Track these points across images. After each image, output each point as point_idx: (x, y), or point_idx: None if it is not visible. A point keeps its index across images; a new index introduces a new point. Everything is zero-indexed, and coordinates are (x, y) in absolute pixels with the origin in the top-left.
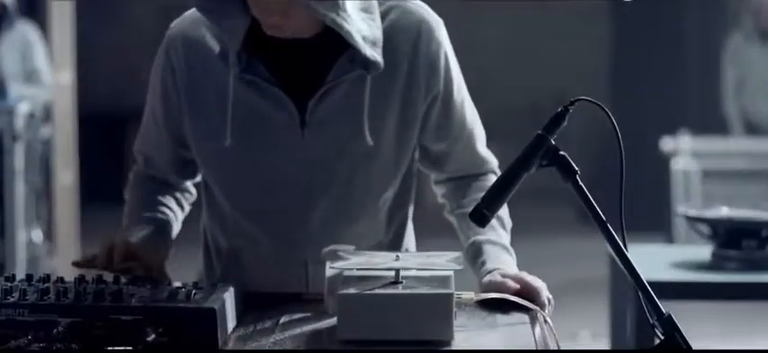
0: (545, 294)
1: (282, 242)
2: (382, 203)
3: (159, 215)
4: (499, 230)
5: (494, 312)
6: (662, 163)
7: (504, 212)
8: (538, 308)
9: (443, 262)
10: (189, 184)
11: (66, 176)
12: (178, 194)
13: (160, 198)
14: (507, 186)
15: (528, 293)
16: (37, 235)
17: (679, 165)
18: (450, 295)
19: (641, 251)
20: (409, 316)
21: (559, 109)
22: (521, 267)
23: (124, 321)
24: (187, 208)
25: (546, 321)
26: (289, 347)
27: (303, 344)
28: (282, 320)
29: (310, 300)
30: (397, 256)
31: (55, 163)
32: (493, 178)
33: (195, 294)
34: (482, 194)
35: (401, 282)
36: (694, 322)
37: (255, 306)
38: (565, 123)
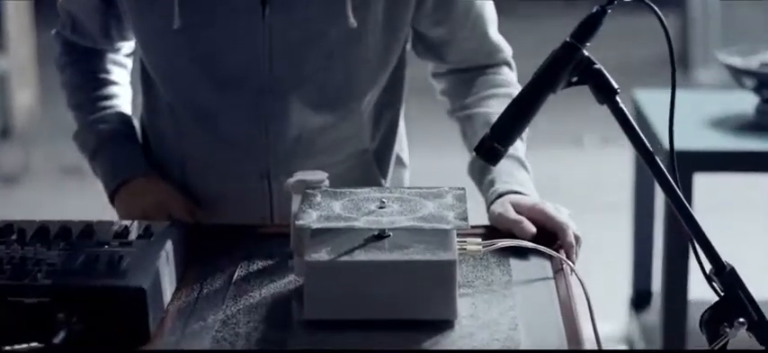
0: (571, 233)
1: (240, 151)
2: (366, 103)
3: (109, 103)
4: None
5: (506, 260)
6: None
7: None
8: (563, 257)
9: (444, 209)
10: (124, 51)
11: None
12: (120, 57)
13: (104, 77)
14: (525, 112)
15: (550, 232)
16: None
17: None
18: (451, 263)
19: (661, 100)
20: (398, 290)
21: (595, 9)
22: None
23: (27, 304)
24: (130, 66)
25: (573, 272)
26: (242, 328)
27: (261, 322)
28: (237, 275)
29: (274, 235)
30: (382, 201)
31: None
32: (506, 72)
33: (122, 258)
34: (492, 91)
35: (387, 236)
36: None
37: (205, 247)
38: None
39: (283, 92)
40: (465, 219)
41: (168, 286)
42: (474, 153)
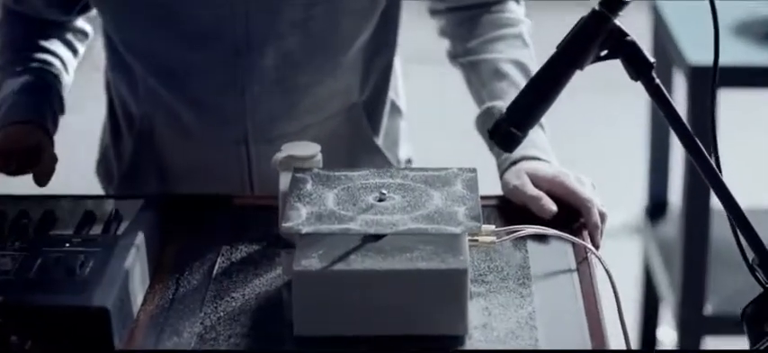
0: (596, 211)
1: (213, 115)
2: (354, 53)
3: (37, 64)
4: (523, 86)
5: (523, 243)
6: None
7: (529, 56)
8: (588, 246)
9: (453, 202)
10: (81, 22)
11: None
12: (68, 35)
13: (41, 42)
14: (546, 92)
15: (572, 207)
16: None
17: None
18: (462, 273)
19: (684, 9)
20: (400, 302)
21: None
22: None
23: None
24: (81, 51)
25: (600, 261)
26: (223, 344)
27: (245, 336)
28: (218, 267)
29: (257, 209)
30: (382, 193)
31: None
32: (514, 8)
33: (85, 262)
34: (500, 33)
35: (383, 236)
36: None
37: (183, 226)
38: None
39: (260, 47)
40: (477, 217)
41: (139, 289)
42: (482, 104)
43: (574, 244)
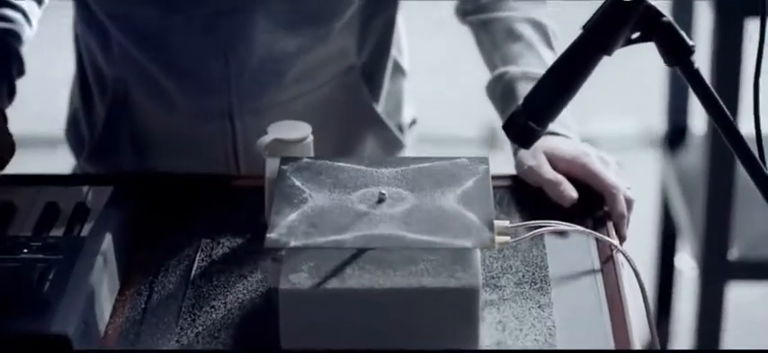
0: (622, 197)
1: (194, 85)
2: (350, 14)
3: None
4: (540, 49)
5: (539, 239)
6: None
7: (548, 15)
8: (614, 242)
9: (464, 205)
10: None
11: None
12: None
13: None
14: (569, 81)
15: (594, 191)
16: None
17: None
18: (474, 291)
19: None
20: (402, 322)
21: None
22: None
23: None
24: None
25: (627, 260)
26: None
27: (233, 345)
28: (196, 267)
29: (242, 191)
30: (382, 193)
31: None
32: None
33: (44, 274)
34: None
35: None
36: None
37: (157, 214)
38: None
39: (244, 9)
40: (491, 225)
41: (107, 299)
42: (494, 69)
43: (597, 238)
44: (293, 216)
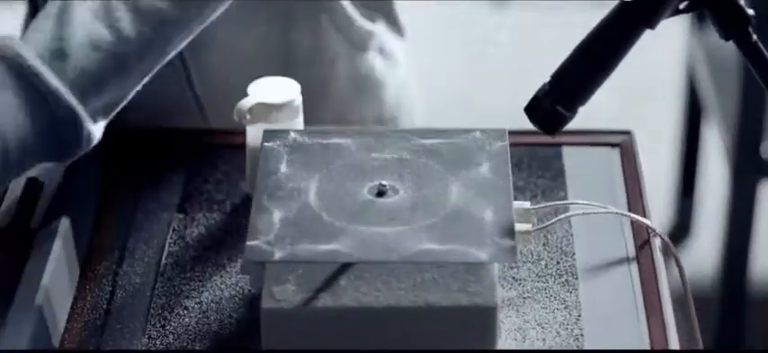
0: None
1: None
2: None
3: None
4: None
5: (566, 221)
6: None
7: None
8: (650, 224)
9: (477, 199)
10: None
11: None
12: None
13: None
14: (605, 57)
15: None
16: None
17: None
18: (491, 311)
19: None
20: (404, 346)
21: None
22: None
23: None
24: None
25: (667, 246)
26: None
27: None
28: (167, 251)
29: (215, 150)
30: (382, 184)
31: None
32: None
33: None
34: None
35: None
36: None
37: (116, 187)
38: None
39: None
40: (510, 231)
41: (63, 304)
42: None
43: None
44: (278, 216)
